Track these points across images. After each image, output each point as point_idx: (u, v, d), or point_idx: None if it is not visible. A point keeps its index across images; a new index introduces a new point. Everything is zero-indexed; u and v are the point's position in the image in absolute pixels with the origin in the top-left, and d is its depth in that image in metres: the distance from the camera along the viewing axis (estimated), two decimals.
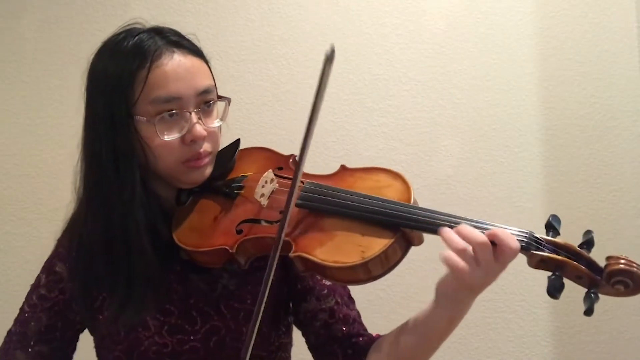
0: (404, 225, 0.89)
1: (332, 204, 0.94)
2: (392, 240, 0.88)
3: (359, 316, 1.09)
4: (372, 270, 0.88)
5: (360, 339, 1.04)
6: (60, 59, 1.93)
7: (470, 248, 0.83)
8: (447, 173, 1.94)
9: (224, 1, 1.94)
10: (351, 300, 1.10)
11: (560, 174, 1.95)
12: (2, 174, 1.93)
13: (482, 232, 0.84)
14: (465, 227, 0.84)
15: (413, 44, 1.95)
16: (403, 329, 0.98)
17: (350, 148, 1.94)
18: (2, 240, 1.92)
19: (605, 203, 1.94)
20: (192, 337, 1.01)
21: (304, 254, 0.90)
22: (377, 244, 0.88)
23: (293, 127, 1.92)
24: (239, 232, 0.98)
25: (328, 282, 1.08)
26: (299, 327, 1.11)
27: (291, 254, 0.91)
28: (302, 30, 1.94)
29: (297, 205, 0.96)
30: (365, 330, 1.07)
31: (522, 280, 1.93)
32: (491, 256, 0.83)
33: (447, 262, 0.84)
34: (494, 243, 0.83)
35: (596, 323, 1.92)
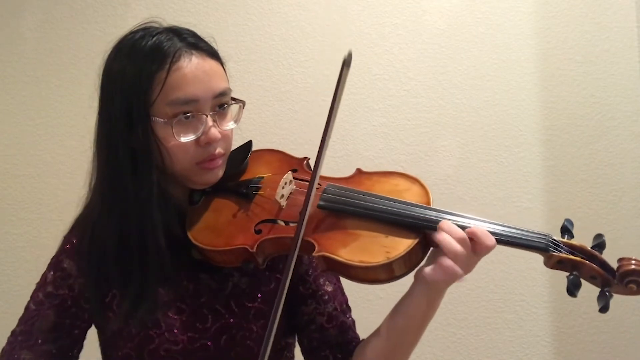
0: (428, 228, 0.92)
1: (356, 205, 0.97)
2: (416, 241, 0.91)
3: (354, 324, 1.11)
4: (395, 270, 0.91)
5: (351, 345, 1.07)
6: (60, 59, 1.93)
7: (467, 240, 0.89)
8: (447, 173, 1.94)
9: (224, 1, 1.94)
10: (348, 308, 1.12)
11: (560, 174, 1.95)
12: (2, 174, 1.93)
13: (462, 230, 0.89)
14: (446, 223, 0.90)
15: (413, 44, 1.95)
16: (385, 321, 1.01)
17: (350, 148, 1.94)
18: (2, 240, 1.92)
19: (605, 203, 1.94)
20: (203, 335, 1.02)
21: (327, 254, 0.92)
22: (401, 245, 0.91)
23: (293, 127, 1.92)
24: (258, 232, 0.99)
25: (329, 288, 1.10)
26: (294, 330, 1.12)
27: (314, 254, 0.93)
28: (302, 30, 1.94)
29: (319, 206, 0.98)
30: (358, 338, 1.09)
31: (522, 280, 1.93)
32: (470, 254, 0.89)
33: (446, 267, 0.88)
34: (472, 239, 0.89)
35: (596, 323, 1.92)
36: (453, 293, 1.93)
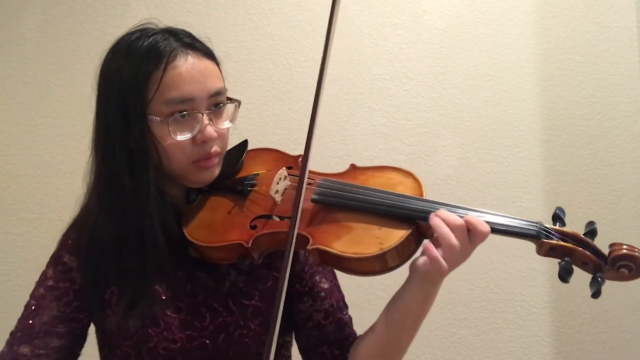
0: (420, 218, 0.93)
1: (349, 198, 0.98)
2: (409, 232, 0.92)
3: (351, 321, 1.12)
4: (388, 261, 0.92)
5: (348, 342, 1.07)
6: (60, 59, 1.93)
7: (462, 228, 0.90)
8: (447, 173, 1.94)
9: (224, 1, 1.95)
10: (345, 305, 1.13)
11: (560, 174, 1.95)
12: (2, 174, 1.93)
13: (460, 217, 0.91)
14: (445, 212, 0.91)
15: (413, 44, 1.95)
16: (380, 316, 1.02)
17: (350, 148, 1.94)
18: (2, 240, 1.92)
19: (605, 203, 1.94)
20: (201, 334, 1.02)
21: (322, 247, 0.93)
22: (394, 236, 0.92)
23: (293, 127, 1.92)
24: (253, 227, 1.00)
25: (326, 285, 1.11)
26: (291, 328, 1.13)
27: (309, 247, 0.94)
28: (302, 30, 1.94)
29: (312, 200, 1.00)
30: (355, 334, 1.10)
31: (522, 280, 1.93)
32: (467, 239, 0.90)
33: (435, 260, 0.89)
34: (468, 229, 0.90)
35: (596, 323, 1.92)
36: (453, 293, 1.94)
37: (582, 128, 1.95)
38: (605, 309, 1.90)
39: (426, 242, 0.92)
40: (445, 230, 0.89)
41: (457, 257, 0.90)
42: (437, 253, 0.89)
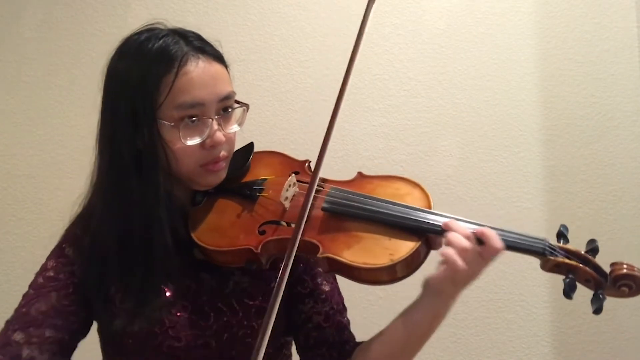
0: (430, 231, 0.94)
1: (359, 208, 0.99)
2: (419, 244, 0.93)
3: (349, 324, 1.12)
4: (397, 272, 0.93)
5: (348, 345, 1.08)
6: (60, 59, 1.93)
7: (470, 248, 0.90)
8: (447, 173, 1.94)
9: (224, 1, 1.95)
10: (345, 308, 1.13)
11: (560, 174, 1.95)
12: (2, 174, 1.93)
13: (473, 232, 0.91)
14: (457, 225, 0.91)
15: (413, 44, 1.95)
16: (389, 326, 1.02)
17: (350, 148, 1.94)
18: (2, 240, 1.92)
19: (605, 203, 1.94)
20: (205, 333, 1.02)
21: (332, 255, 0.94)
22: (404, 248, 0.93)
23: (293, 127, 1.92)
24: (262, 232, 1.01)
25: (327, 288, 1.11)
26: (291, 328, 1.13)
27: (319, 255, 0.95)
28: (302, 30, 1.94)
29: (322, 209, 1.00)
30: (354, 339, 1.10)
31: (522, 280, 1.93)
32: (477, 255, 0.90)
33: (449, 260, 0.90)
34: (482, 242, 0.90)
35: (596, 323, 1.92)
36: None
37: (582, 128, 1.95)
38: (605, 309, 1.89)
39: (443, 247, 0.92)
40: (455, 234, 0.90)
41: (469, 263, 0.89)
42: (454, 252, 0.89)
